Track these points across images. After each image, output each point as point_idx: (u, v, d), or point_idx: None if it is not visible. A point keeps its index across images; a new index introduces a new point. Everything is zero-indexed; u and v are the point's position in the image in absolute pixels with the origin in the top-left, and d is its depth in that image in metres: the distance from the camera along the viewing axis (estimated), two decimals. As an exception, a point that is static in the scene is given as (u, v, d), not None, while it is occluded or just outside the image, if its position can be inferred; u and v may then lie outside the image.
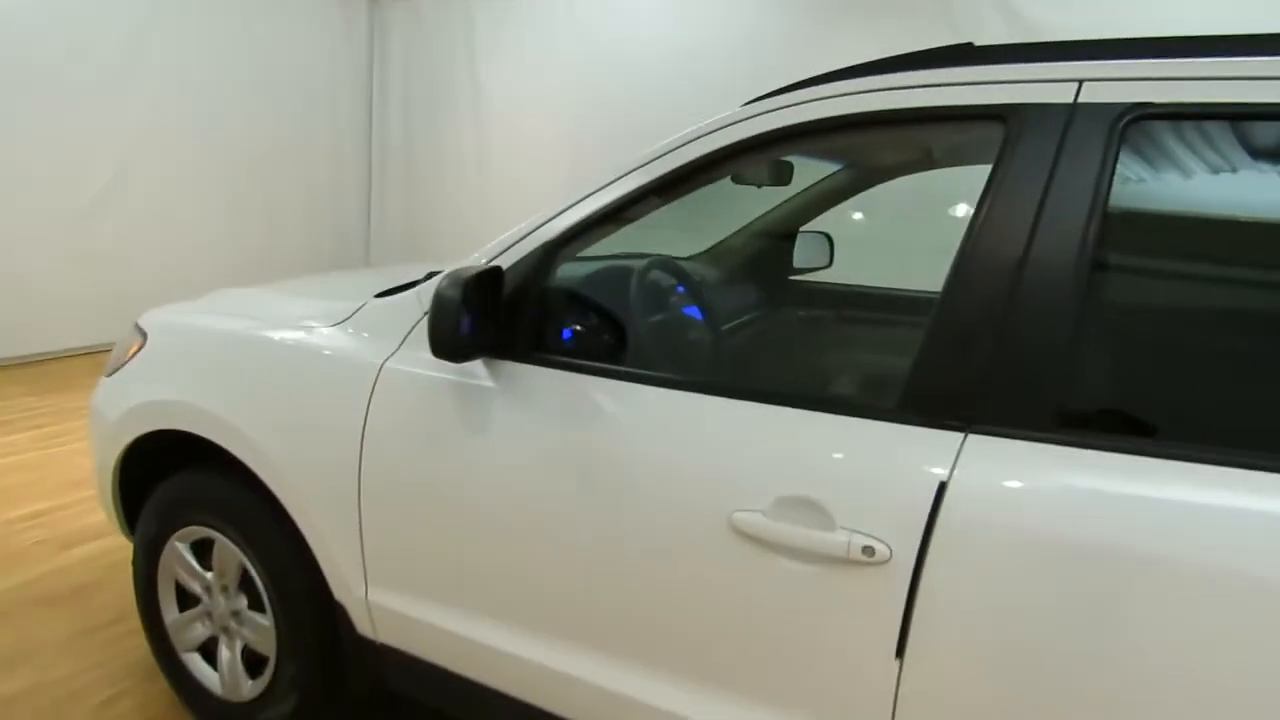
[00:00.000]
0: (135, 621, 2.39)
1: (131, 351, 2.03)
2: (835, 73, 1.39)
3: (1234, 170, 1.13)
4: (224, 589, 1.93)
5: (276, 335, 1.76)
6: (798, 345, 1.66)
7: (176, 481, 1.95)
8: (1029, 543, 1.06)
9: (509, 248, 1.54)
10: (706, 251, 2.34)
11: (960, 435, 1.13)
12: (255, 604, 1.89)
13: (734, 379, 1.61)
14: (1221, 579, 0.97)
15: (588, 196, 1.49)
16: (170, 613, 2.05)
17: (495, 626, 1.51)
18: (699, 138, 1.42)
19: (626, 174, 1.47)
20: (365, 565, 1.64)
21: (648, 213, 1.52)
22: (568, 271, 1.62)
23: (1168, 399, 1.11)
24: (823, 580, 1.18)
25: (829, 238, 2.59)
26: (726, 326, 1.65)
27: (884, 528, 1.13)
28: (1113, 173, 1.11)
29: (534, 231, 1.52)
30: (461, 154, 6.80)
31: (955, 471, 1.11)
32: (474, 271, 1.38)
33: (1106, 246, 1.11)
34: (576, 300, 1.57)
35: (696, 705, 1.32)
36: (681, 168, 1.42)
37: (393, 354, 1.60)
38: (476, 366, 1.50)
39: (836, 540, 1.16)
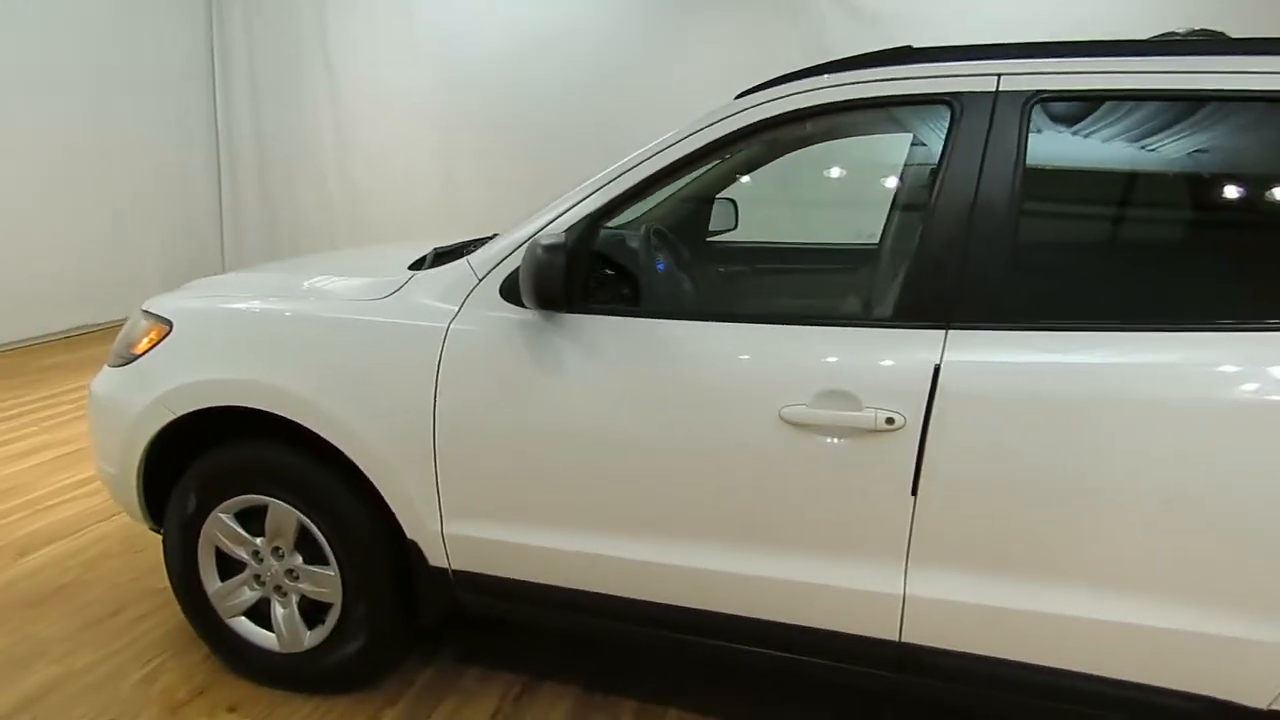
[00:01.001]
0: (140, 608, 2.47)
1: (150, 339, 2.11)
2: (812, 69, 1.79)
3: (1099, 134, 1.65)
4: (276, 551, 2.09)
5: (335, 312, 1.94)
6: (807, 278, 2.07)
7: (218, 456, 2.07)
8: (998, 400, 1.53)
9: (553, 220, 1.82)
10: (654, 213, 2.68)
11: (942, 332, 1.58)
12: (312, 559, 2.07)
13: (764, 309, 1.99)
14: (1125, 407, 1.48)
15: (617, 177, 1.81)
16: (213, 583, 2.17)
17: (572, 534, 1.82)
18: (710, 125, 1.77)
19: (650, 157, 1.80)
20: (441, 503, 1.89)
21: (665, 187, 1.85)
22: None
23: (1071, 293, 1.62)
24: (855, 448, 1.60)
25: (734, 203, 3.03)
26: (743, 269, 2.03)
27: (898, 402, 1.57)
28: (1026, 139, 1.59)
29: (573, 208, 1.82)
30: (320, 138, 6.67)
31: (944, 356, 1.56)
32: (559, 240, 1.65)
33: (1026, 191, 1.59)
34: (619, 259, 1.87)
35: (754, 563, 1.72)
36: (696, 150, 1.77)
37: (455, 316, 1.84)
38: (538, 318, 1.79)
39: (865, 416, 1.58)
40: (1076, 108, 1.64)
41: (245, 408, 1.99)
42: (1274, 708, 1.52)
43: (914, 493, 1.59)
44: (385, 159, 6.54)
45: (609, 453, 1.76)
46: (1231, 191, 1.66)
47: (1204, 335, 1.47)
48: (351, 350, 1.90)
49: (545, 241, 1.62)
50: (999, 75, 1.62)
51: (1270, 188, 1.61)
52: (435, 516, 1.91)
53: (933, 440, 1.57)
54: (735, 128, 1.75)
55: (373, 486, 1.95)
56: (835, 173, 2.20)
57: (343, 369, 1.91)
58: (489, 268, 1.86)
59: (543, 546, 1.86)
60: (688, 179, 1.86)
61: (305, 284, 2.16)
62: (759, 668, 1.84)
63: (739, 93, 1.90)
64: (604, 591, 1.86)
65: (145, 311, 2.20)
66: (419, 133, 6.41)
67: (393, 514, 1.96)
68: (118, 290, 6.21)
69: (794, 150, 2.17)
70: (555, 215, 1.83)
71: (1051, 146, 1.66)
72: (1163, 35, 1.78)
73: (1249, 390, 1.44)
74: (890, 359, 1.60)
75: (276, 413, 1.94)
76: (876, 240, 1.92)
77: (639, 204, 1.89)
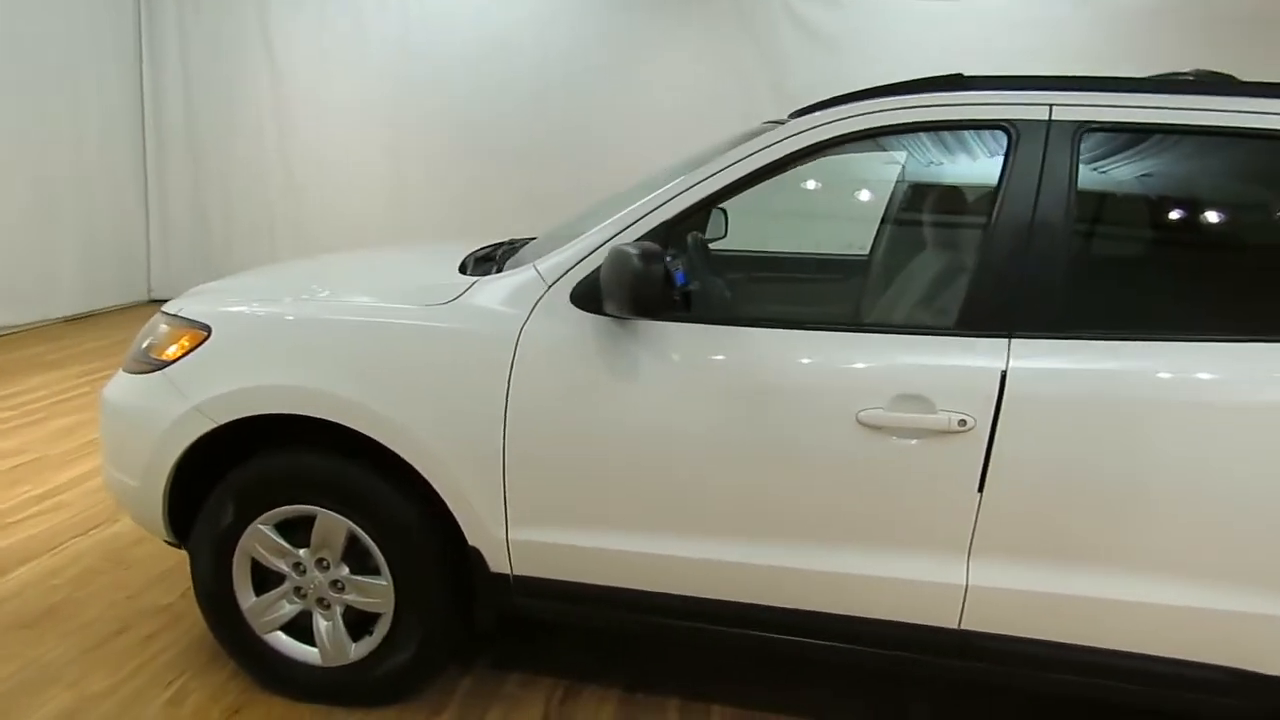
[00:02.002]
0: (146, 627, 2.37)
1: (183, 344, 2.02)
2: (866, 91, 1.89)
3: (1140, 160, 1.82)
4: (320, 562, 2.04)
5: (397, 318, 1.91)
6: (873, 286, 2.16)
7: (262, 465, 2.00)
8: (1059, 404, 1.67)
9: (622, 231, 1.85)
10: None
11: (1006, 340, 1.71)
12: (358, 570, 2.03)
13: (838, 317, 2.07)
14: (1171, 410, 1.64)
15: (685, 191, 1.85)
16: (247, 598, 2.09)
17: (645, 536, 1.86)
18: (776, 142, 1.84)
19: (717, 172, 1.85)
20: (507, 510, 1.90)
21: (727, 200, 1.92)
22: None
23: (1120, 305, 1.78)
24: (928, 448, 1.71)
25: (725, 212, 3.13)
26: (802, 277, 2.11)
27: (969, 406, 1.69)
28: (1077, 164, 1.74)
29: (642, 219, 1.85)
30: (260, 133, 6.40)
31: (1009, 363, 1.69)
32: (653, 250, 1.69)
33: (1078, 212, 1.74)
34: (691, 268, 1.91)
35: (824, 559, 1.80)
36: (763, 167, 1.83)
37: (526, 322, 1.85)
38: (613, 324, 1.82)
39: (939, 419, 1.69)
40: (1121, 138, 1.80)
41: (283, 416, 1.95)
42: (1293, 674, 1.71)
43: (980, 489, 1.72)
44: (330, 158, 6.34)
45: (685, 456, 1.81)
46: (1260, 216, 1.86)
47: (1240, 346, 1.65)
48: (418, 357, 1.88)
49: (642, 251, 1.66)
50: (1051, 105, 1.77)
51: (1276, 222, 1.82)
52: (500, 522, 1.91)
53: (1000, 440, 1.69)
54: (802, 145, 1.83)
55: (429, 494, 1.94)
56: (870, 189, 2.32)
57: (409, 376, 1.88)
58: (558, 274, 1.88)
59: (613, 549, 1.89)
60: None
61: (345, 288, 2.11)
62: (822, 661, 1.92)
63: (793, 111, 1.98)
64: (674, 592, 1.91)
65: (172, 315, 2.11)
66: (368, 132, 6.24)
67: (449, 521, 1.95)
68: (37, 290, 5.80)
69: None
70: (625, 226, 1.86)
71: (1098, 171, 1.81)
72: (1167, 75, 1.96)
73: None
74: (961, 365, 1.71)
75: (337, 421, 1.90)
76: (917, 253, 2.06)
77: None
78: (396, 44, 6.06)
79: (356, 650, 2.07)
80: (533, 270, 1.92)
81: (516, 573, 1.96)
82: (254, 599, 2.09)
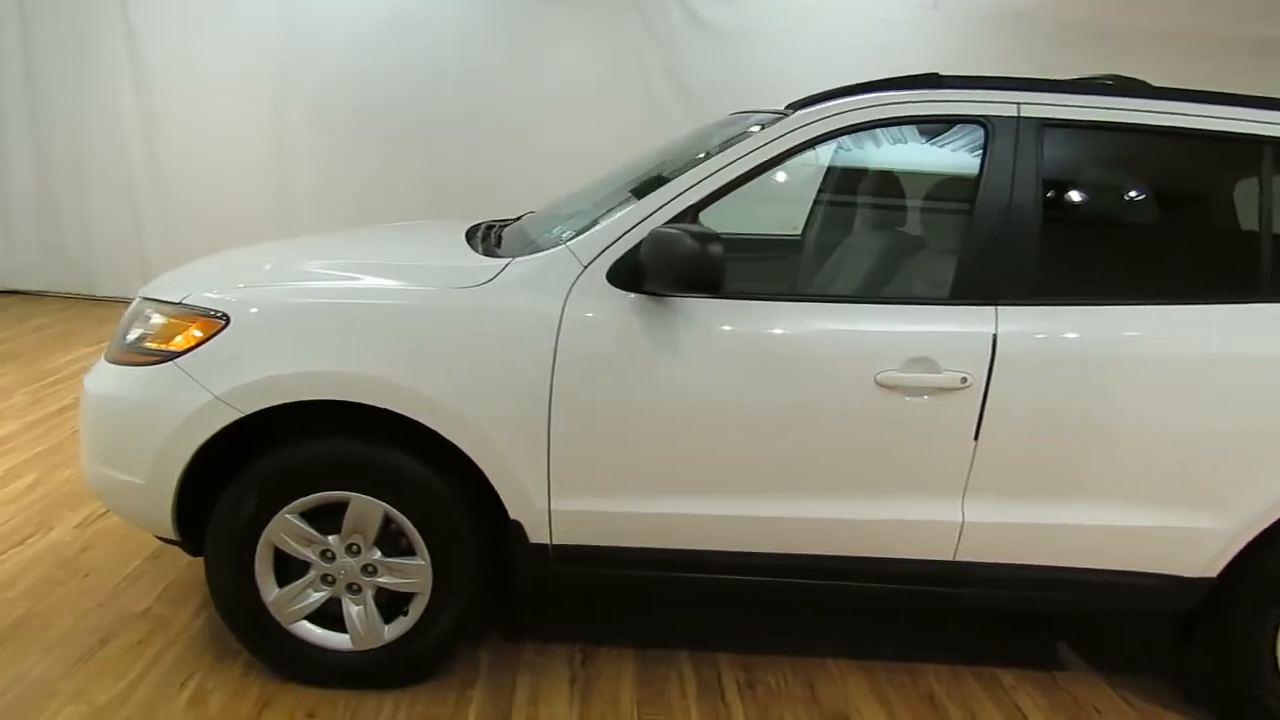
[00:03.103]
0: (131, 634, 2.29)
1: (194, 333, 1.93)
2: (853, 87, 2.10)
3: (1092, 153, 2.14)
4: (350, 548, 2.03)
5: (435, 300, 1.93)
6: (877, 262, 2.37)
7: (291, 454, 1.96)
8: (1038, 361, 1.96)
9: (654, 213, 1.97)
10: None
11: (994, 308, 1.98)
12: (390, 552, 2.04)
13: (854, 291, 2.26)
14: (1126, 364, 1.97)
15: (708, 176, 1.99)
16: (270, 590, 2.04)
17: (682, 498, 2.00)
18: (787, 132, 2.01)
19: (733, 161, 2.00)
20: (550, 482, 1.98)
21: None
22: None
23: (1085, 277, 2.09)
24: (934, 404, 1.96)
25: None
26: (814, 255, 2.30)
27: (969, 365, 1.95)
28: (1042, 155, 2.03)
29: (670, 202, 1.98)
30: (118, 111, 5.80)
31: (998, 328, 1.96)
32: (709, 232, 1.81)
33: (1045, 195, 2.03)
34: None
35: (842, 508, 2.02)
36: (776, 155, 2.00)
37: (566, 301, 1.93)
38: (650, 301, 1.93)
39: (944, 377, 1.94)
40: (1076, 132, 2.10)
41: (301, 404, 1.92)
42: (1209, 575, 2.10)
43: (976, 438, 1.99)
44: (203, 149, 5.84)
45: (722, 422, 1.97)
46: (1184, 199, 2.24)
47: (1180, 308, 2.01)
48: (463, 338, 1.92)
49: (699, 233, 1.79)
50: (1019, 104, 2.05)
51: (1200, 205, 2.21)
52: (543, 495, 1.99)
53: (992, 394, 1.96)
54: (811, 135, 2.02)
55: (466, 473, 1.98)
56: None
57: (454, 357, 1.91)
58: (594, 254, 1.97)
59: (652, 512, 2.02)
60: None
61: (365, 271, 2.09)
62: (833, 599, 2.15)
63: (790, 103, 2.16)
64: (706, 548, 2.06)
65: (174, 304, 2.00)
66: (247, 121, 5.81)
67: (484, 498, 2.01)
68: None
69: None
70: (655, 209, 1.98)
71: (1059, 162, 2.11)
72: (1090, 78, 2.30)
73: (1216, 350, 1.99)
74: (959, 330, 1.97)
75: (380, 405, 1.90)
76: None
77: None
78: (278, 19, 5.70)
79: (390, 631, 2.09)
80: (566, 250, 1.99)
81: (556, 542, 2.04)
82: (277, 590, 2.05)
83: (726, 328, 1.96)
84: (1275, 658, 2.15)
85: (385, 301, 1.95)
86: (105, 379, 2.05)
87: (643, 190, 2.13)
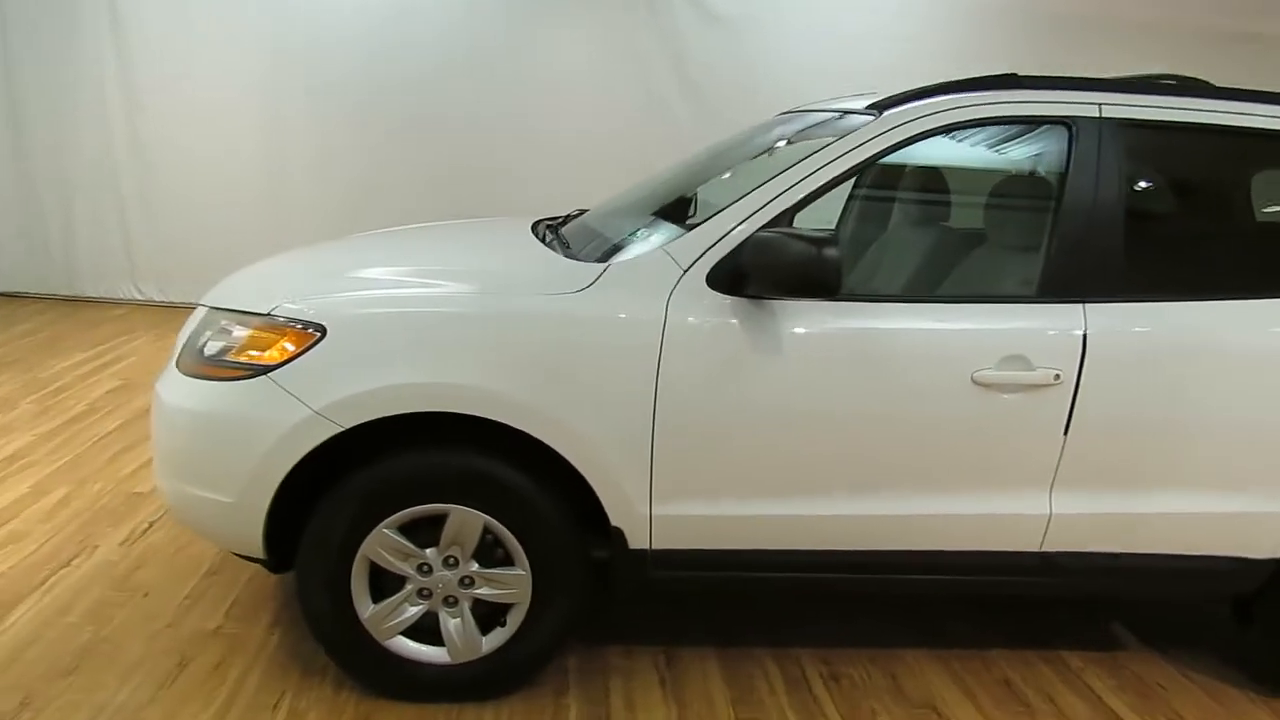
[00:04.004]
0: (209, 656, 2.25)
1: (286, 346, 1.87)
2: (931, 88, 2.11)
3: (1170, 152, 2.19)
4: (447, 560, 2.00)
5: (537, 309, 1.90)
6: (965, 262, 2.39)
7: (390, 468, 1.92)
8: (1125, 357, 2.02)
9: (752, 215, 1.96)
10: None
11: (1081, 305, 2.03)
12: (488, 563, 2.01)
13: (945, 291, 2.27)
14: (1206, 357, 2.03)
15: (801, 181, 1.98)
16: (366, 607, 2.00)
17: (781, 500, 2.01)
18: (877, 135, 2.02)
19: (824, 165, 1.99)
20: (652, 487, 1.97)
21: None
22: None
23: (1167, 272, 2.14)
24: (1027, 400, 2.00)
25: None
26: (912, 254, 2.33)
27: (1060, 362, 1.99)
28: (1124, 154, 2.08)
29: (766, 206, 1.97)
30: (103, 109, 5.54)
31: (1087, 326, 2.01)
32: (828, 237, 1.81)
33: (1132, 191, 2.08)
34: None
35: (938, 504, 2.05)
36: (869, 157, 2.01)
37: (668, 306, 1.91)
38: (751, 305, 1.93)
39: (1038, 375, 1.98)
40: (1155, 132, 2.14)
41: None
42: (1276, 556, 2.19)
43: (1065, 432, 2.04)
44: (193, 142, 5.63)
45: (821, 423, 1.98)
46: (1260, 197, 2.31)
47: (1263, 301, 2.08)
48: (569, 346, 1.89)
49: (814, 236, 1.79)
50: (1100, 105, 2.09)
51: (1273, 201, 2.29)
52: (645, 500, 1.98)
53: (1082, 390, 2.01)
54: (903, 136, 2.03)
55: (563, 482, 1.96)
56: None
57: (557, 365, 1.89)
58: (693, 258, 1.95)
59: (747, 515, 2.03)
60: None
61: (454, 275, 2.05)
62: (920, 593, 2.18)
63: (870, 104, 2.16)
64: (798, 547, 2.08)
65: (262, 315, 1.93)
66: (239, 112, 5.61)
67: (582, 506, 1.99)
68: None
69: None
70: (751, 212, 1.97)
71: (1141, 160, 2.16)
72: (1152, 76, 2.36)
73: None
74: (1051, 328, 2.01)
75: (488, 416, 1.86)
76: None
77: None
78: (273, 6, 5.50)
79: (488, 643, 2.07)
80: (664, 253, 1.98)
81: (655, 547, 2.04)
82: (373, 606, 2.01)
83: (826, 329, 1.97)
84: (1331, 632, 2.26)
85: (490, 310, 1.91)
86: (185, 392, 1.97)
87: (714, 193, 2.13)
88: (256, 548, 1.98)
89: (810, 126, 2.42)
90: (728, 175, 2.45)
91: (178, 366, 2.06)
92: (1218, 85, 2.26)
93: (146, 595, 2.43)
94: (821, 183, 2.00)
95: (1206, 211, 2.36)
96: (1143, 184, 2.17)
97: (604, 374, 1.91)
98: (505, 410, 1.88)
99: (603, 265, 2.00)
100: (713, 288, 1.94)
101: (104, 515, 2.88)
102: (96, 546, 2.67)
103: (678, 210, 2.42)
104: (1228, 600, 2.37)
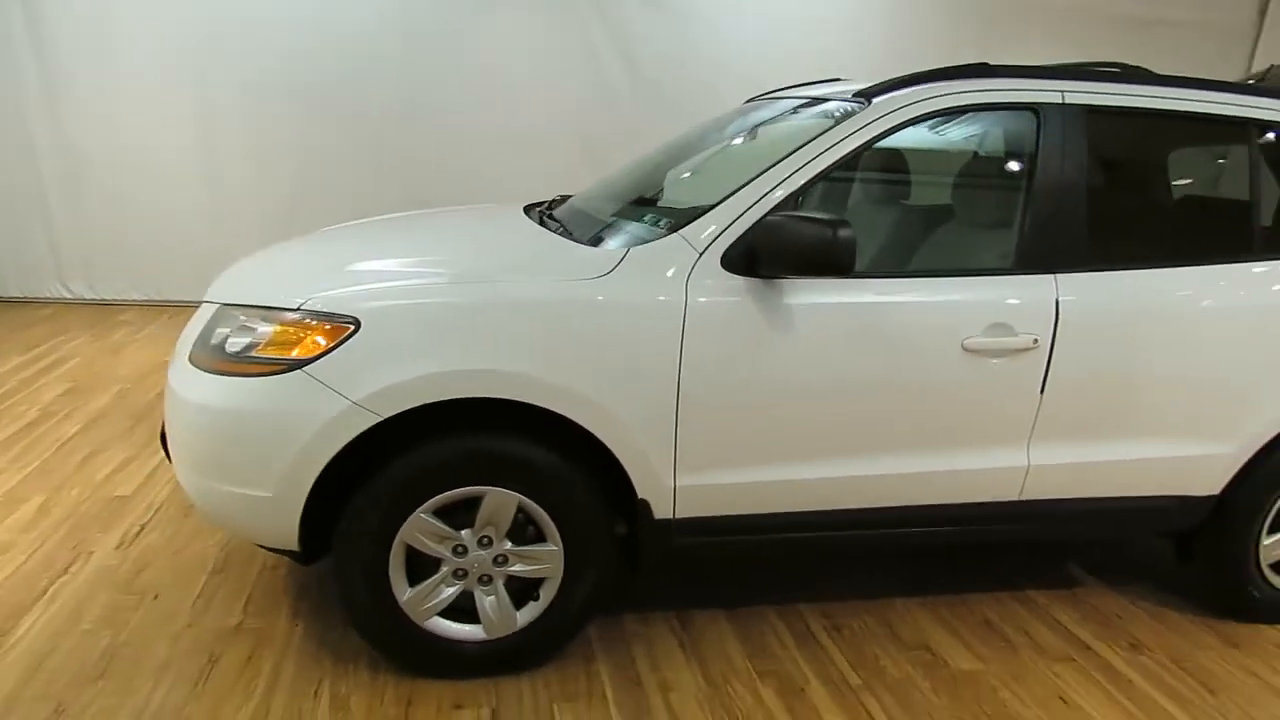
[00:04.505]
0: (237, 652, 2.28)
1: (322, 339, 1.90)
2: (909, 78, 2.27)
3: (1124, 135, 2.42)
4: (482, 541, 2.07)
5: (567, 294, 1.98)
6: (950, 238, 2.55)
7: (427, 453, 1.97)
8: (1092, 322, 2.24)
9: (758, 201, 2.08)
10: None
11: (1053, 276, 2.24)
12: (522, 540, 2.10)
13: (935, 266, 2.43)
14: (1160, 317, 2.27)
15: (803, 166, 2.12)
16: (404, 591, 2.05)
17: (794, 465, 2.17)
18: (870, 123, 2.16)
19: (823, 151, 2.13)
20: (676, 459, 2.09)
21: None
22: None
23: (1122, 244, 2.37)
24: (1009, 364, 2.20)
25: None
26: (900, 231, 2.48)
27: (1038, 328, 2.20)
28: (1085, 136, 2.29)
29: (770, 192, 2.09)
30: (20, 92, 5.20)
31: (1059, 294, 2.22)
32: (842, 219, 1.94)
33: (1092, 171, 2.29)
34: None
35: (932, 461, 2.24)
36: (863, 144, 2.16)
37: (687, 288, 2.02)
38: (762, 285, 2.05)
39: (1020, 340, 2.19)
40: (1113, 117, 2.36)
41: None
42: (1214, 493, 2.48)
43: (1042, 391, 2.25)
44: (118, 131, 5.36)
45: (830, 391, 2.14)
46: (1199, 174, 2.57)
47: (1200, 268, 2.34)
48: (597, 329, 1.98)
49: (828, 218, 1.92)
50: (1063, 92, 2.29)
51: (1205, 177, 2.55)
52: (669, 472, 2.10)
53: (1056, 353, 2.23)
54: (893, 123, 2.18)
55: (594, 459, 2.06)
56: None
57: (587, 348, 1.98)
58: (708, 241, 2.06)
59: (762, 480, 2.17)
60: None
61: (474, 263, 2.11)
62: (917, 545, 2.38)
63: (856, 92, 2.31)
64: (807, 509, 2.24)
65: (291, 309, 1.94)
66: (168, 102, 5.37)
67: (610, 480, 2.09)
68: None
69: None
70: (758, 197, 2.09)
71: (1103, 143, 2.37)
72: (1098, 64, 2.59)
73: (1224, 303, 2.33)
74: (1028, 297, 2.21)
75: (523, 400, 1.94)
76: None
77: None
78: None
79: (523, 617, 2.15)
80: (680, 238, 2.08)
81: (678, 516, 2.16)
82: (410, 590, 2.07)
83: (834, 305, 2.11)
84: (1259, 556, 2.57)
85: (520, 296, 1.98)
86: (210, 390, 1.97)
87: (706, 178, 2.23)
88: (291, 540, 2.01)
89: (794, 114, 2.55)
90: (717, 161, 2.57)
91: (195, 364, 2.05)
92: (1157, 73, 2.51)
93: (157, 597, 2.40)
94: (823, 167, 2.14)
95: (1154, 188, 2.62)
96: (1102, 165, 2.39)
97: (631, 354, 2.01)
98: (543, 394, 1.96)
99: (623, 250, 2.09)
100: (727, 269, 2.07)
101: (89, 521, 2.80)
102: (91, 552, 2.61)
103: (676, 194, 2.53)
104: (1173, 536, 2.66)
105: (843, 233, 1.92)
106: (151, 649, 2.19)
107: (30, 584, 2.44)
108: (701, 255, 2.07)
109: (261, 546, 2.15)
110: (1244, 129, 2.43)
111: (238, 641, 2.24)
